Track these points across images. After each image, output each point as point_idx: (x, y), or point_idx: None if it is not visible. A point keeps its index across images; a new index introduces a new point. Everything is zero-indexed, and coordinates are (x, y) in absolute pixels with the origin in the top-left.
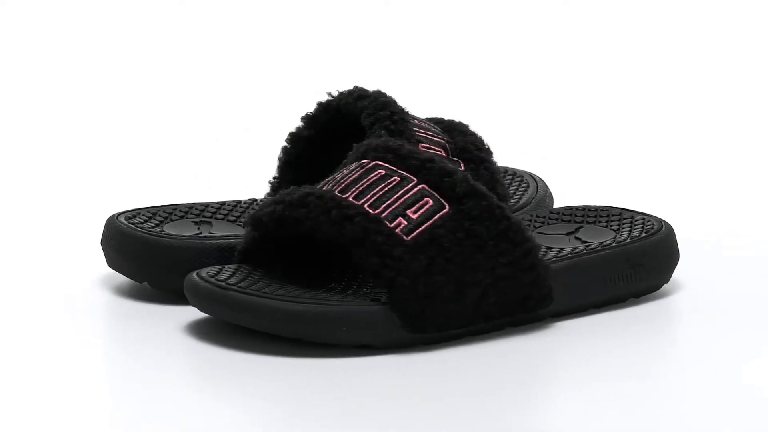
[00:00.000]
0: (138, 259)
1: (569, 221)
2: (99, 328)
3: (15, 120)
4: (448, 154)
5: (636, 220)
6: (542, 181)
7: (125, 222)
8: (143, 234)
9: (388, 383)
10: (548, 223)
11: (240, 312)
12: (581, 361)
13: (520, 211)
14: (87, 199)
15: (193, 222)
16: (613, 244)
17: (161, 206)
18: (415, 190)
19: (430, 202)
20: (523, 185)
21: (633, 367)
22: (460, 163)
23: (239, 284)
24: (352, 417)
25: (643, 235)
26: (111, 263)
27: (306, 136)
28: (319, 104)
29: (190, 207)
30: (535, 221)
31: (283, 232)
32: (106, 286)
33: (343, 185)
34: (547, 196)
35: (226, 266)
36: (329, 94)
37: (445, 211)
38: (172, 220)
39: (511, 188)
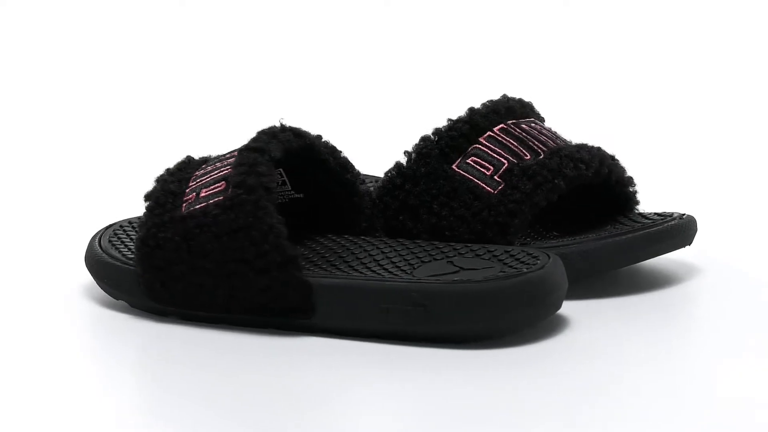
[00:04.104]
0: None
1: (502, 260)
2: None
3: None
4: (493, 173)
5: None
6: (688, 216)
7: None
8: None
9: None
10: (482, 259)
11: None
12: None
13: (638, 233)
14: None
15: None
16: (410, 277)
17: None
18: (222, 173)
19: (222, 187)
20: (667, 216)
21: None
22: (500, 183)
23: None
24: None
25: (465, 280)
26: None
27: None
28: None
29: None
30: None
31: None
32: None
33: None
34: (684, 229)
35: None
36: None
37: (223, 197)
38: None
39: (653, 216)
